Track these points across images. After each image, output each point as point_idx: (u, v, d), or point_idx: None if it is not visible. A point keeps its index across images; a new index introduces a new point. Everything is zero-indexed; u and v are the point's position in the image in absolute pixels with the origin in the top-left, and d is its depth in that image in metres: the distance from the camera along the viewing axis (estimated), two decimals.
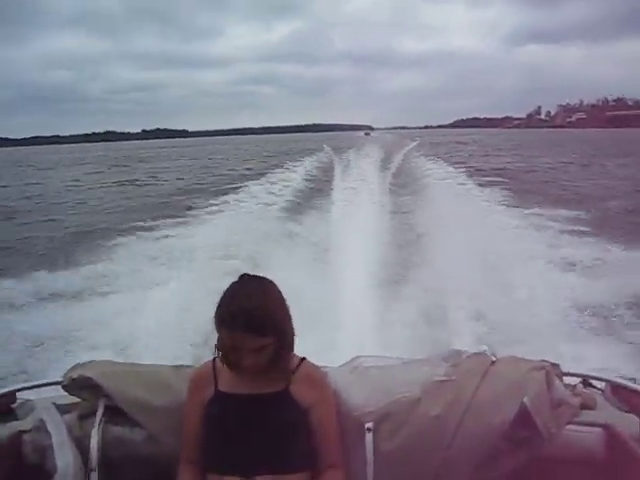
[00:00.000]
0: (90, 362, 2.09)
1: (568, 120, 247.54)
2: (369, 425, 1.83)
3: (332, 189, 20.07)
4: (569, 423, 1.89)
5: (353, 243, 10.16)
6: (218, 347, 1.74)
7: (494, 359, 1.94)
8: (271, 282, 1.75)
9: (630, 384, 1.99)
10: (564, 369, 2.01)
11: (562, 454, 1.92)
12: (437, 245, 9.69)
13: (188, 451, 1.83)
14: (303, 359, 1.83)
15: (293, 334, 1.76)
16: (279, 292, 1.74)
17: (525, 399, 1.77)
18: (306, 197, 18.75)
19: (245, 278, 1.73)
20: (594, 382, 2.15)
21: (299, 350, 1.83)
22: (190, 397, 1.86)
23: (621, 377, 2.12)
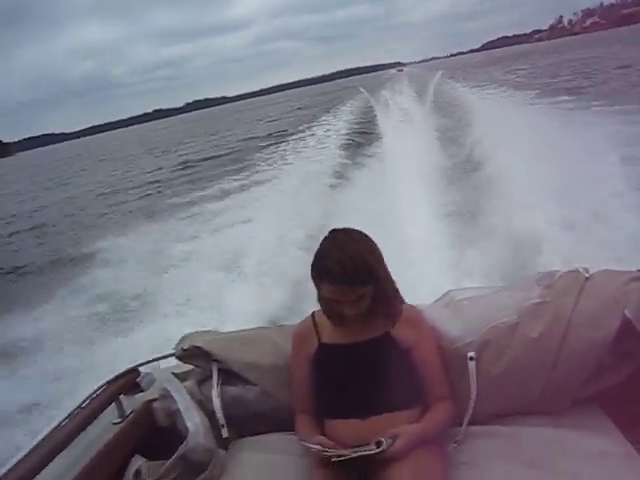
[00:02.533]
0: (196, 332, 2.25)
1: (583, 26, 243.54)
2: (471, 354, 1.88)
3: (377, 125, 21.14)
4: None
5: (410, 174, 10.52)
6: (319, 301, 1.81)
7: (587, 275, 1.92)
8: (361, 232, 1.79)
9: None
10: None
11: None
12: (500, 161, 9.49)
13: (301, 402, 1.95)
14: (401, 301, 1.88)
15: (391, 279, 1.81)
16: (370, 240, 1.78)
17: (626, 311, 1.76)
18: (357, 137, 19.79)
19: (337, 231, 1.78)
20: None
21: None
22: (295, 352, 1.97)
23: None
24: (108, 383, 2.07)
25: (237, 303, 6.17)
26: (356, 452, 1.61)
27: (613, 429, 1.80)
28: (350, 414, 1.77)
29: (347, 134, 20.14)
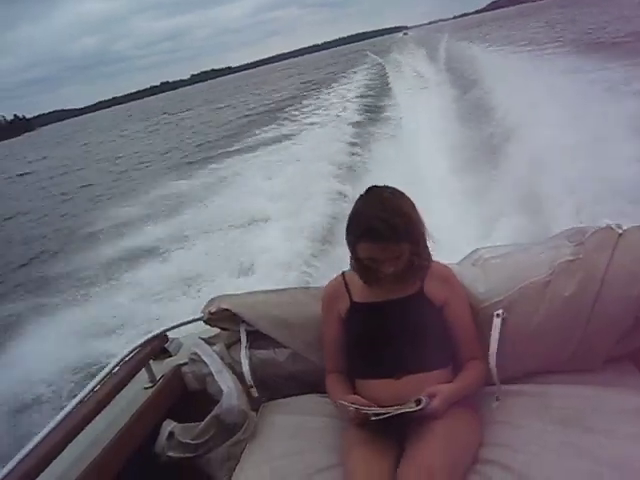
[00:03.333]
0: (222, 295, 2.23)
1: None
2: (498, 312, 1.85)
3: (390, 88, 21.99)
4: None
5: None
6: (354, 261, 1.79)
7: (620, 232, 1.87)
8: (397, 190, 1.76)
9: None
10: None
11: None
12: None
13: (333, 362, 1.94)
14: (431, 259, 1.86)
15: (425, 238, 1.78)
16: (408, 198, 1.75)
17: None
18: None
19: (373, 189, 1.75)
20: None
21: None
22: (326, 312, 1.95)
23: None
24: (137, 348, 2.07)
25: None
26: (397, 410, 1.60)
27: None
28: (383, 373, 1.76)
29: (361, 99, 20.59)
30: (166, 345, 2.21)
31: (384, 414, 1.59)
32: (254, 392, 2.07)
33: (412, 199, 1.76)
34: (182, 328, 2.26)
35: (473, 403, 1.81)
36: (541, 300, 1.84)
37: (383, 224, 1.64)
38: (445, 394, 1.67)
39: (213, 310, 2.14)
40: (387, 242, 1.66)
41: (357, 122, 15.52)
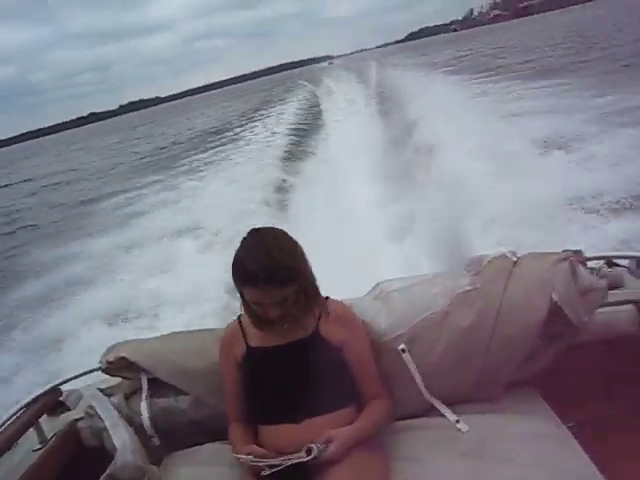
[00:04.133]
0: (122, 342, 2.13)
1: (489, 17, 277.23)
2: (402, 347, 1.85)
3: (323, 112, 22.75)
4: (599, 306, 1.89)
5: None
6: (242, 305, 1.74)
7: (515, 259, 1.92)
8: (281, 231, 1.73)
9: None
10: (587, 253, 1.97)
11: (597, 337, 1.94)
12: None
13: (234, 409, 1.87)
14: (327, 298, 1.83)
15: (313, 277, 1.75)
16: (291, 239, 1.72)
17: (553, 294, 1.77)
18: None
19: (256, 232, 1.71)
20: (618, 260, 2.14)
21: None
22: (223, 358, 1.89)
23: None
24: (27, 405, 1.93)
25: None
26: (286, 461, 1.56)
27: (547, 411, 1.83)
28: (283, 419, 1.71)
29: (292, 124, 20.60)
30: (63, 398, 2.06)
31: (275, 466, 1.55)
32: (156, 441, 1.97)
33: (299, 241, 1.73)
34: (83, 378, 2.13)
35: (378, 441, 1.78)
36: (441, 332, 1.85)
37: (263, 269, 1.60)
38: (343, 437, 1.63)
39: (111, 359, 2.03)
40: (268, 287, 1.62)
41: (288, 150, 15.44)
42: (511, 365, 1.84)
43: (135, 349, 2.05)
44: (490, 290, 1.85)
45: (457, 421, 1.80)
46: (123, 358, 2.02)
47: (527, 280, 1.84)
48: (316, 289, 1.77)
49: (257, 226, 1.74)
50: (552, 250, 1.96)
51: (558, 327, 1.83)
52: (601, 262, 2.08)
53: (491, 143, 8.33)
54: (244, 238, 1.70)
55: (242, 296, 1.71)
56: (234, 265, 1.67)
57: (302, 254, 1.72)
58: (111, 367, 2.04)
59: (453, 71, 26.30)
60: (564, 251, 1.92)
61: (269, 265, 1.60)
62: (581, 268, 1.87)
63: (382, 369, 1.86)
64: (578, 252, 1.94)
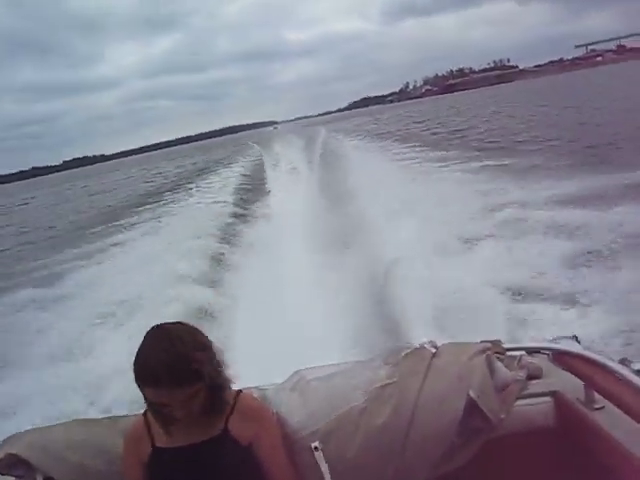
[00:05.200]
0: (14, 436, 1.94)
1: (421, 92, 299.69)
2: (316, 444, 1.77)
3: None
4: (518, 398, 1.87)
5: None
6: (146, 405, 1.63)
7: (434, 350, 1.90)
8: (185, 325, 1.65)
9: (571, 349, 1.96)
10: (506, 341, 1.98)
11: (515, 430, 1.92)
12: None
13: None
14: (239, 392, 1.75)
15: (221, 373, 1.67)
16: (199, 334, 1.64)
17: (470, 391, 1.74)
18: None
19: (157, 329, 1.61)
20: None
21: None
22: (127, 458, 1.76)
23: (564, 337, 2.06)
24: None
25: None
26: None
27: None
28: None
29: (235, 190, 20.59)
30: None
31: None
32: None
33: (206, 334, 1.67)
34: None
35: None
36: (357, 428, 1.79)
37: (166, 369, 1.51)
38: None
39: (1, 456, 1.84)
40: (172, 388, 1.53)
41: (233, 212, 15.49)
42: (428, 464, 1.78)
43: (29, 444, 1.87)
44: (407, 385, 1.81)
45: None
46: (15, 455, 1.83)
47: (444, 375, 1.81)
48: (224, 386, 1.68)
49: (160, 322, 1.65)
50: (471, 340, 1.95)
51: (476, 422, 1.78)
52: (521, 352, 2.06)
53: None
54: (147, 333, 1.61)
55: (143, 394, 1.59)
56: (135, 364, 1.57)
57: (209, 348, 1.64)
58: (2, 465, 1.84)
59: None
60: (482, 342, 1.91)
61: (172, 365, 1.51)
62: (498, 363, 1.85)
63: (296, 465, 1.77)
64: (497, 342, 1.93)
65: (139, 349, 1.58)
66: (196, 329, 1.66)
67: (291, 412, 1.84)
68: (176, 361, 1.52)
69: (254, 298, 6.99)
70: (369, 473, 1.78)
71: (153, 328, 1.62)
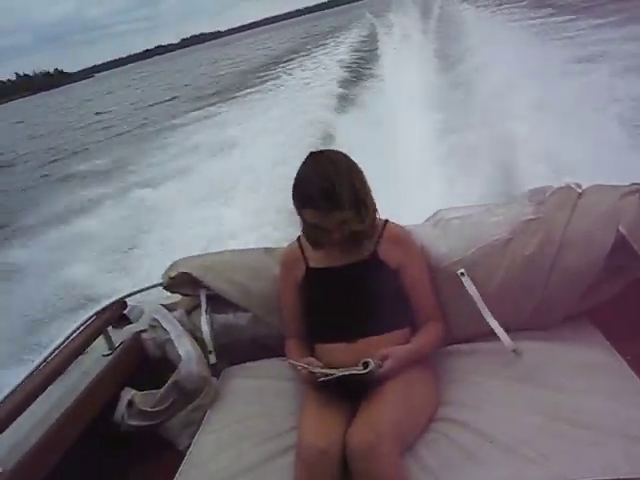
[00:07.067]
0: (183, 259, 2.19)
1: None
2: (462, 271, 1.84)
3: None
4: None
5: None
6: (302, 227, 1.76)
7: (580, 191, 1.87)
8: (341, 153, 1.72)
9: None
10: None
11: None
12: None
13: (291, 327, 1.93)
14: (386, 221, 1.83)
15: (372, 200, 1.74)
16: (351, 161, 1.71)
17: (620, 227, 1.72)
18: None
19: (316, 155, 1.70)
20: None
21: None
22: (283, 278, 1.93)
23: None
24: (96, 315, 2.04)
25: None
26: (342, 371, 1.59)
27: (604, 342, 1.80)
28: (339, 338, 1.74)
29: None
30: (126, 312, 2.16)
31: (331, 375, 1.59)
32: (213, 358, 2.05)
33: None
34: (146, 294, 2.23)
35: (431, 363, 1.81)
36: (502, 259, 1.84)
37: (323, 192, 1.60)
38: (398, 356, 1.65)
39: (173, 275, 2.10)
40: (329, 210, 1.62)
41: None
42: (572, 296, 1.82)
43: (197, 266, 2.10)
44: (554, 220, 1.81)
45: (514, 348, 1.78)
46: (185, 274, 2.08)
47: (592, 212, 1.80)
48: (374, 212, 1.76)
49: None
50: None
51: (622, 260, 1.78)
52: None
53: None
54: (304, 161, 1.70)
55: (301, 216, 1.72)
56: (294, 187, 1.68)
57: (362, 178, 1.71)
58: (172, 283, 2.11)
59: None
60: (632, 184, 1.86)
61: (328, 188, 1.60)
62: None
63: (440, 293, 1.86)
64: None
65: (299, 172, 1.68)
66: (349, 156, 1.72)
67: (435, 244, 1.90)
68: (332, 185, 1.60)
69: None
70: (513, 302, 1.84)
71: (313, 153, 1.71)
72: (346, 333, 1.74)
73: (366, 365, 1.59)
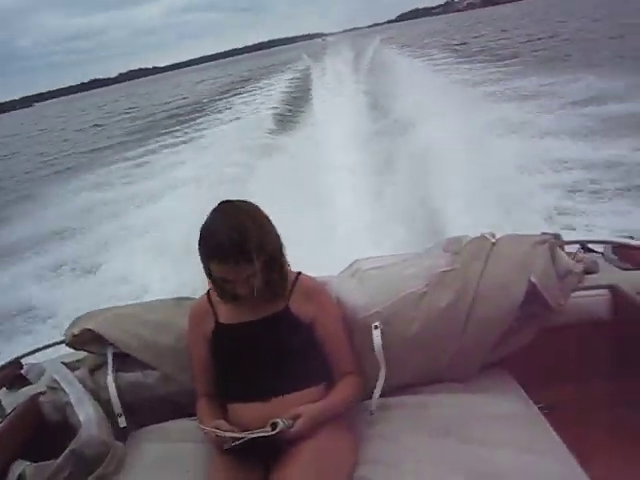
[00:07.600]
0: (87, 313, 2.06)
1: (464, 5, 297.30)
2: (376, 324, 1.81)
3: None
4: (575, 290, 1.90)
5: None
6: (210, 280, 1.68)
7: (494, 240, 1.90)
8: (251, 203, 1.67)
9: (630, 241, 1.98)
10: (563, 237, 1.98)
11: (571, 320, 1.94)
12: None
13: (202, 385, 1.83)
14: (299, 274, 1.78)
15: (283, 253, 1.70)
16: (260, 213, 1.66)
17: (532, 276, 1.75)
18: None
19: (225, 205, 1.64)
20: (594, 246, 2.15)
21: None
22: (192, 333, 1.84)
23: (619, 236, 2.11)
24: None
25: None
26: (250, 434, 1.52)
27: (519, 391, 1.81)
28: (251, 396, 1.67)
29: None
30: (24, 372, 1.99)
31: (240, 439, 1.52)
32: (122, 421, 1.91)
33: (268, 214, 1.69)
34: (48, 352, 2.06)
35: (348, 419, 1.75)
36: (417, 312, 1.83)
37: (232, 245, 1.54)
38: (310, 414, 1.59)
39: (76, 332, 1.96)
40: (237, 263, 1.56)
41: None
42: (486, 347, 1.83)
43: (102, 321, 1.98)
44: (468, 271, 1.83)
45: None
46: (89, 330, 1.95)
47: (506, 262, 1.83)
48: (285, 265, 1.72)
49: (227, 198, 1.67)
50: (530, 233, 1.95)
51: (534, 309, 1.82)
52: (577, 247, 2.09)
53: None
54: (213, 210, 1.63)
55: (207, 269, 1.64)
56: (201, 238, 1.60)
57: (271, 228, 1.66)
58: (76, 340, 1.97)
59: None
60: (542, 234, 1.92)
61: (237, 239, 1.54)
62: (559, 251, 1.86)
63: (357, 345, 1.83)
64: (556, 236, 1.94)
65: (206, 223, 1.61)
66: (260, 208, 1.67)
67: (352, 296, 1.88)
68: (241, 237, 1.55)
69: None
70: (429, 353, 1.83)
71: (222, 203, 1.64)
72: (259, 392, 1.67)
73: (274, 426, 1.53)
